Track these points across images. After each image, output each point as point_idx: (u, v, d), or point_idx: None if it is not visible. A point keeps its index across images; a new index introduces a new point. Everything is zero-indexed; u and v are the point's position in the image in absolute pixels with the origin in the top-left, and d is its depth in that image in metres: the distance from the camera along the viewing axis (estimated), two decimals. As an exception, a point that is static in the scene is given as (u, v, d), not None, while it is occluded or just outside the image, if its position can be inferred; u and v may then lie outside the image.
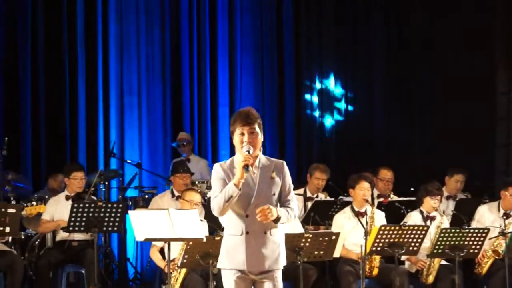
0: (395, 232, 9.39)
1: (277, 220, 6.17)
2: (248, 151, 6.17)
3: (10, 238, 9.95)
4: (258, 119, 6.28)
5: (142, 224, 8.49)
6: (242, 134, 6.23)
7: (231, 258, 6.32)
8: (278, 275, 6.35)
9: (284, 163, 6.40)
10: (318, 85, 14.34)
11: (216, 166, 6.38)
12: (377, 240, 9.33)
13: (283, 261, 6.35)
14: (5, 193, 10.68)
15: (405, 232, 9.43)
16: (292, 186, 6.37)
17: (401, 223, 9.77)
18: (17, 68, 12.91)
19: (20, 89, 12.90)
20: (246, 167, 6.11)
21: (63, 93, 13.04)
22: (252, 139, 6.21)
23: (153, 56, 13.63)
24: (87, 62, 13.22)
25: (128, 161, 12.70)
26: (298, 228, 9.33)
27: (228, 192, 6.16)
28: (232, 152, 12.93)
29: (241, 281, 6.33)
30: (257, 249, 6.27)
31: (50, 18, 13.05)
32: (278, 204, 6.30)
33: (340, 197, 10.65)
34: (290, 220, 6.31)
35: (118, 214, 9.83)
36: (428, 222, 9.91)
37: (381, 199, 10.83)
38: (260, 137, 6.30)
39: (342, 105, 14.36)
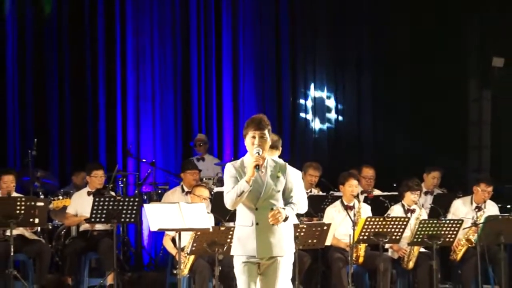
0: (380, 223, 9.45)
1: (285, 219, 6.28)
2: (258, 153, 6.25)
3: (39, 228, 9.95)
4: (268, 126, 6.36)
5: (155, 216, 8.51)
6: (254, 137, 6.30)
7: (242, 246, 6.38)
8: (283, 260, 6.39)
9: (287, 164, 6.50)
10: (311, 93, 14.29)
11: (228, 165, 6.46)
12: (364, 230, 9.38)
13: (288, 249, 6.41)
14: (35, 189, 10.68)
15: (388, 223, 9.49)
16: (294, 184, 6.47)
17: (385, 215, 9.85)
18: (45, 77, 12.88)
19: (47, 97, 12.87)
20: (257, 167, 6.20)
21: (86, 100, 13.01)
22: (261, 143, 6.28)
23: (165, 66, 13.56)
24: (108, 71, 13.18)
25: (143, 160, 12.68)
26: (294, 220, 9.37)
27: (240, 188, 6.23)
28: (235, 152, 13.03)
29: (250, 265, 6.38)
30: (266, 238, 6.34)
31: (75, 32, 13.03)
32: (282, 201, 6.39)
33: (331, 192, 10.69)
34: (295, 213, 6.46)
35: (135, 207, 9.86)
36: (408, 214, 9.92)
37: (365, 194, 10.84)
38: (269, 141, 6.37)
39: (332, 110, 14.30)
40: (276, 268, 6.39)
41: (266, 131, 6.31)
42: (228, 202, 6.35)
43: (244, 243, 6.38)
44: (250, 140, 6.32)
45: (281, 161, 6.56)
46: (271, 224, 6.30)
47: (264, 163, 6.33)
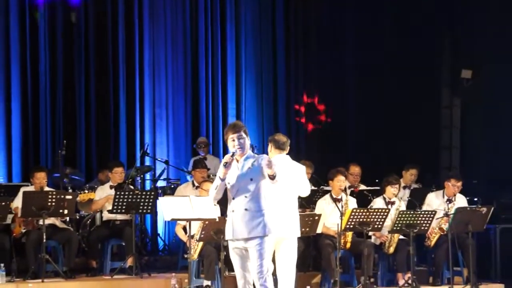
0: (364, 213, 9.48)
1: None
2: (233, 153, 6.40)
3: (67, 218, 9.94)
4: (243, 128, 6.52)
5: (169, 207, 8.55)
6: (233, 140, 6.45)
7: (227, 230, 6.52)
8: (263, 241, 6.39)
9: (265, 155, 6.57)
10: (304, 98, 14.28)
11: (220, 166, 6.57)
12: (350, 220, 9.42)
13: (265, 231, 6.38)
14: (64, 184, 10.69)
15: (371, 213, 9.52)
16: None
17: (368, 207, 9.90)
18: (73, 86, 12.88)
19: (75, 103, 12.89)
20: (225, 164, 6.37)
21: (108, 106, 13.01)
22: (240, 143, 6.41)
23: (177, 76, 13.57)
24: (127, 80, 13.18)
25: (158, 158, 12.62)
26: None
27: (215, 182, 6.48)
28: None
29: (236, 249, 6.50)
30: (240, 222, 6.41)
31: (99, 45, 13.05)
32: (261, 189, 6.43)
33: (322, 186, 10.70)
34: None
35: (151, 200, 9.90)
36: (389, 206, 9.92)
37: (352, 189, 10.85)
38: (247, 141, 6.51)
39: (322, 114, 14.29)
40: (256, 248, 6.40)
41: (242, 132, 6.48)
42: (210, 195, 6.62)
43: (227, 228, 6.52)
44: (231, 143, 6.47)
45: (262, 155, 6.58)
46: (244, 210, 6.38)
47: (242, 158, 6.44)
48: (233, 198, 6.45)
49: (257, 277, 6.40)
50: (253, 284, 6.53)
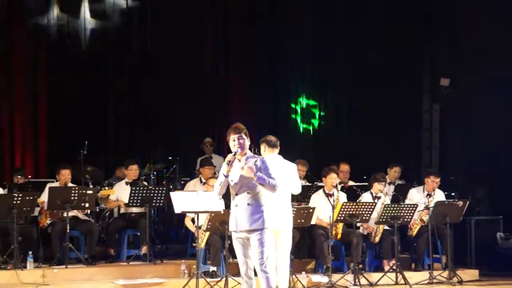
0: (353, 207, 9.46)
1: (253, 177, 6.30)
2: (235, 153, 6.41)
3: (89, 211, 9.97)
4: (244, 129, 6.52)
5: (179, 201, 8.51)
6: (234, 140, 6.45)
7: (231, 223, 6.52)
8: (264, 234, 6.40)
9: (263, 157, 6.67)
10: (300, 103, 14.26)
11: (223, 164, 6.57)
12: (341, 212, 9.39)
13: (264, 223, 6.39)
14: (86, 180, 10.69)
15: (359, 207, 9.50)
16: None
17: (357, 201, 9.87)
18: (95, 100, 12.93)
19: (96, 112, 12.96)
20: (228, 162, 6.37)
21: (124, 114, 13.07)
22: (240, 143, 6.42)
23: (186, 84, 13.56)
24: (142, 88, 13.21)
25: (170, 158, 12.63)
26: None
27: (218, 179, 6.50)
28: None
29: (239, 239, 6.51)
30: (243, 215, 6.41)
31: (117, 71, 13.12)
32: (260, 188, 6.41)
33: (315, 182, 10.68)
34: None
35: (163, 194, 9.90)
36: (375, 200, 9.92)
37: (342, 184, 10.84)
38: (247, 141, 6.52)
39: (316, 117, 14.29)
40: (257, 239, 6.40)
41: (242, 134, 6.48)
42: (215, 190, 6.62)
43: (231, 220, 6.51)
44: (232, 143, 6.48)
45: (260, 156, 6.68)
46: (247, 205, 6.39)
47: (243, 158, 6.45)
48: (236, 194, 6.46)
49: (258, 263, 6.41)
50: (254, 270, 6.55)
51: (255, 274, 6.54)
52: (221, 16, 13.82)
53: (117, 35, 13.08)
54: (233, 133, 6.48)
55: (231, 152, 6.47)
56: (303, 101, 14.25)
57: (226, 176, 6.43)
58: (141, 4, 13.25)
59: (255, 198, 6.41)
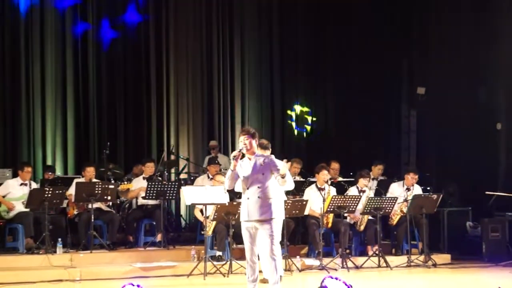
0: (341, 199, 9.48)
1: (284, 175, 6.36)
2: (241, 150, 6.46)
3: (110, 203, 9.96)
4: (251, 131, 6.59)
5: (189, 194, 8.57)
6: (242, 140, 6.53)
7: (242, 213, 6.49)
8: (273, 223, 6.42)
9: (272, 156, 6.65)
10: (295, 108, 14.20)
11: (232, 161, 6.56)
12: (330, 204, 9.41)
13: (272, 214, 6.41)
14: (108, 176, 10.70)
15: (347, 199, 9.52)
16: (281, 165, 6.45)
17: (345, 194, 9.87)
18: (114, 102, 12.84)
19: (116, 114, 12.79)
20: (233, 157, 6.43)
21: (142, 116, 13.03)
22: (248, 143, 6.47)
23: (195, 95, 13.46)
24: (158, 98, 13.13)
25: (181, 156, 12.60)
26: (283, 197, 9.35)
27: (227, 174, 6.52)
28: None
29: (248, 228, 6.48)
30: (254, 207, 6.40)
31: (136, 74, 13.03)
32: (269, 182, 6.44)
33: (308, 178, 10.67)
34: (288, 181, 6.48)
35: (175, 188, 9.88)
36: (361, 194, 9.92)
37: (332, 180, 10.82)
38: (255, 142, 6.56)
39: (309, 122, 14.24)
40: (267, 228, 6.41)
41: (250, 135, 6.54)
42: (225, 184, 6.62)
43: (243, 211, 6.49)
44: (241, 142, 6.54)
45: (270, 155, 6.67)
46: (257, 198, 6.39)
47: (253, 156, 6.47)
48: (248, 188, 6.45)
49: (268, 250, 6.41)
50: (258, 255, 6.55)
51: (259, 259, 6.54)
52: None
53: (133, 48, 13.02)
54: (242, 134, 6.56)
55: (234, 150, 6.51)
56: (297, 109, 14.20)
57: (233, 170, 6.44)
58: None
59: (264, 192, 6.42)
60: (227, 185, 6.58)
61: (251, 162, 6.46)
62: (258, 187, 6.41)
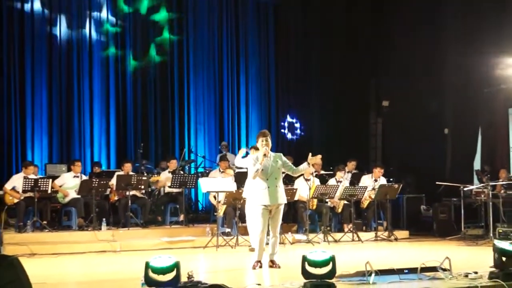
0: (323, 188, 9.46)
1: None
2: (266, 149, 6.27)
3: (143, 191, 9.92)
4: (269, 135, 6.39)
5: (205, 184, 8.54)
6: (263, 141, 6.33)
7: (261, 199, 6.23)
8: (282, 207, 6.37)
9: (281, 154, 6.49)
10: (287, 118, 14.23)
11: (250, 156, 6.53)
12: (315, 192, 9.40)
13: (284, 200, 6.36)
14: (141, 170, 10.69)
15: (328, 188, 9.50)
16: (289, 161, 6.45)
17: (326, 184, 9.85)
18: (147, 109, 12.75)
19: (148, 120, 12.80)
20: (264, 155, 6.24)
21: (168, 121, 12.94)
22: (267, 144, 6.30)
23: (209, 104, 13.37)
24: (179, 107, 13.06)
25: (199, 154, 12.56)
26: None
27: (256, 167, 6.24)
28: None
29: (264, 211, 6.26)
30: (273, 194, 6.24)
31: (162, 89, 12.94)
32: (287, 168, 6.36)
33: (298, 172, 10.65)
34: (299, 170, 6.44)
35: (194, 180, 9.81)
36: (338, 184, 9.89)
37: (316, 173, 10.78)
38: (270, 143, 6.37)
39: (298, 129, 14.22)
40: (280, 210, 6.33)
41: (268, 137, 6.37)
42: (251, 175, 6.31)
43: (261, 198, 6.22)
44: (261, 143, 6.34)
45: (280, 154, 6.51)
46: (275, 187, 6.22)
47: (268, 154, 6.33)
48: (267, 179, 6.24)
49: (278, 227, 6.33)
50: (268, 232, 6.39)
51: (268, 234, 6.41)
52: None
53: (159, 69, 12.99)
54: (262, 136, 6.36)
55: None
56: (288, 119, 14.18)
57: (260, 166, 6.23)
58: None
59: (280, 182, 6.31)
60: (252, 176, 6.25)
61: (268, 159, 6.28)
62: (276, 178, 6.26)
